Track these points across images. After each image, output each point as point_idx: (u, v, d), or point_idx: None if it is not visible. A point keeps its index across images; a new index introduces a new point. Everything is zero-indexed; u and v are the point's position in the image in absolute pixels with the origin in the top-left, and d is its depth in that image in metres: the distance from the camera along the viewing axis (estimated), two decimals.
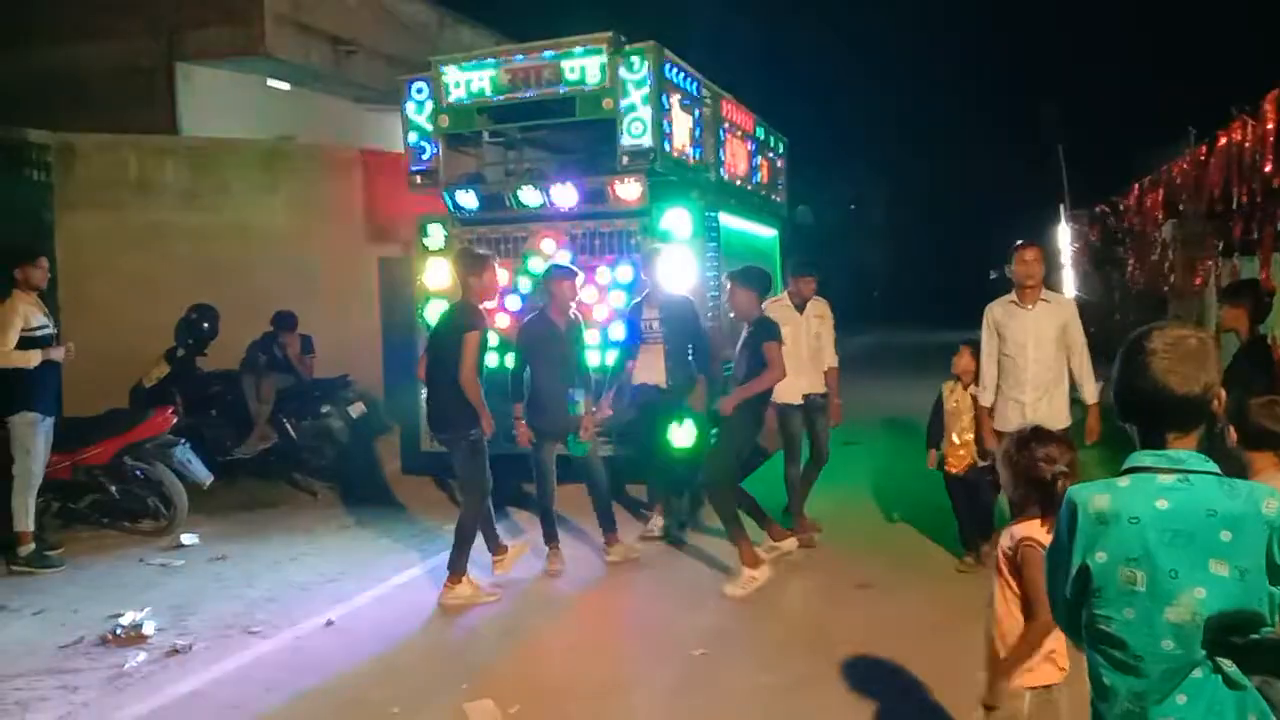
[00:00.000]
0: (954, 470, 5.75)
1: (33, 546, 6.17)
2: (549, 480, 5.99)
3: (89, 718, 4.06)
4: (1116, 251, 15.99)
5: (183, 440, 7.08)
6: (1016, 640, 2.64)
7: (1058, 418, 5.15)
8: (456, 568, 5.40)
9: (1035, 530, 2.64)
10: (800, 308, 6.59)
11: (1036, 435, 2.80)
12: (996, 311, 5.43)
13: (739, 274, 5.76)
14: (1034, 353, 5.26)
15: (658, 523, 6.67)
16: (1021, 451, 2.76)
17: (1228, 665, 1.69)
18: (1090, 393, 5.31)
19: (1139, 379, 1.76)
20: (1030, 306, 5.30)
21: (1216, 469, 1.75)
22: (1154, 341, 1.77)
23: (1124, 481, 1.76)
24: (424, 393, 5.86)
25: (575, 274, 6.11)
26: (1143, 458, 1.77)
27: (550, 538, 6.01)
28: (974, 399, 5.62)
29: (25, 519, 6.15)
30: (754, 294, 5.67)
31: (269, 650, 4.82)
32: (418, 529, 7.11)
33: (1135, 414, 1.81)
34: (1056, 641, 2.64)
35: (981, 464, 5.55)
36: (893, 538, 6.63)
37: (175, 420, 7.14)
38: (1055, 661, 2.68)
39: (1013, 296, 5.37)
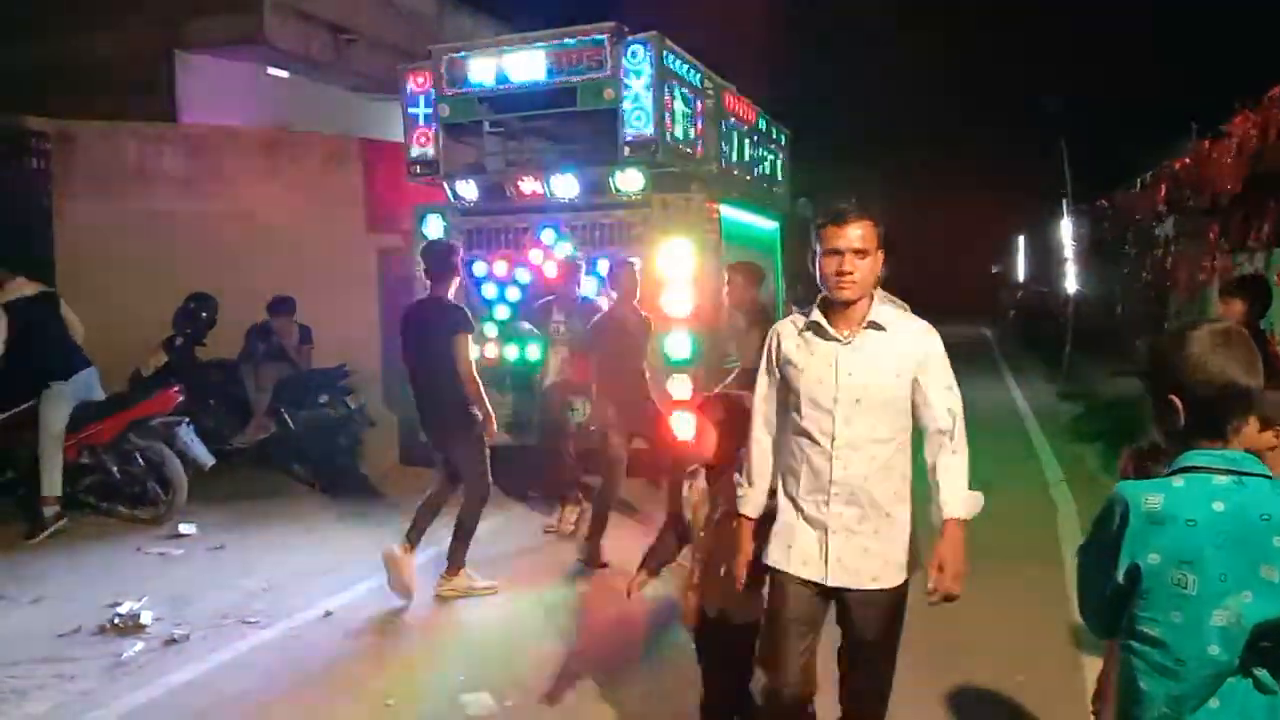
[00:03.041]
0: (686, 621, 3.28)
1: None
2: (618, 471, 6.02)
3: (86, 706, 4.05)
4: (1118, 246, 15.99)
5: (186, 420, 7.15)
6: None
7: (887, 570, 2.85)
8: (455, 560, 5.39)
9: None
10: None
11: (1154, 454, 2.55)
12: (785, 341, 2.90)
13: (738, 265, 6.16)
14: (846, 428, 2.74)
15: (569, 518, 6.63)
16: (1140, 474, 2.54)
17: (1259, 670, 1.67)
18: (956, 500, 2.78)
19: (1200, 374, 1.73)
20: (847, 336, 2.78)
21: (1268, 471, 1.73)
22: (1204, 337, 1.74)
23: (1178, 481, 1.73)
24: (414, 392, 5.54)
25: (630, 263, 6.19)
26: (1196, 458, 1.74)
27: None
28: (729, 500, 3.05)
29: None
30: (751, 284, 5.94)
31: (266, 640, 4.81)
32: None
33: (1193, 412, 1.77)
34: None
35: (736, 615, 3.11)
36: None
37: (180, 400, 7.21)
38: None
39: (814, 314, 2.83)
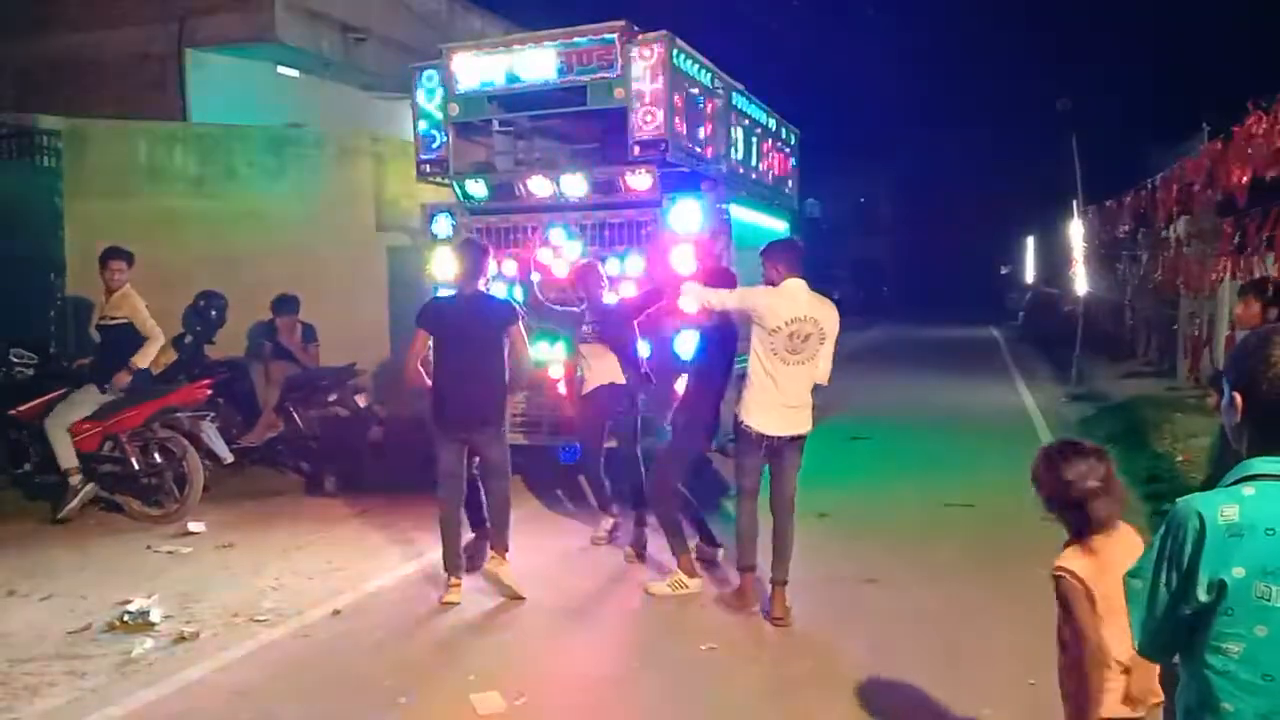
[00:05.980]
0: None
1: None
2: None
3: (97, 704, 4.05)
4: (1128, 248, 15.93)
5: (211, 415, 7.27)
6: (1079, 681, 2.44)
7: None
8: (504, 544, 5.41)
9: (1067, 558, 2.45)
10: None
11: (1064, 451, 2.50)
12: None
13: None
14: None
15: (607, 525, 6.51)
16: (1050, 472, 2.48)
17: None
18: None
19: (1272, 377, 1.69)
20: None
21: None
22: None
23: (1249, 490, 1.67)
24: (446, 387, 5.35)
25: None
26: (1261, 465, 1.69)
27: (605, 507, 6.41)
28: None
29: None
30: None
31: (276, 639, 4.81)
32: (425, 518, 7.08)
33: (1254, 415, 1.73)
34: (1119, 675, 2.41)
35: None
36: (901, 533, 6.60)
37: (210, 394, 7.32)
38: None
39: None
